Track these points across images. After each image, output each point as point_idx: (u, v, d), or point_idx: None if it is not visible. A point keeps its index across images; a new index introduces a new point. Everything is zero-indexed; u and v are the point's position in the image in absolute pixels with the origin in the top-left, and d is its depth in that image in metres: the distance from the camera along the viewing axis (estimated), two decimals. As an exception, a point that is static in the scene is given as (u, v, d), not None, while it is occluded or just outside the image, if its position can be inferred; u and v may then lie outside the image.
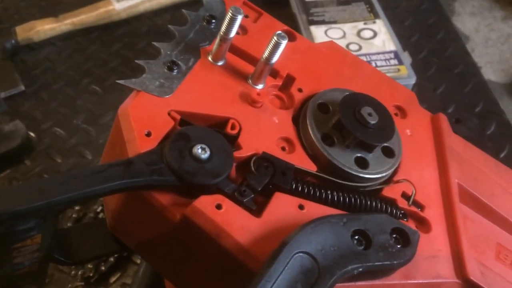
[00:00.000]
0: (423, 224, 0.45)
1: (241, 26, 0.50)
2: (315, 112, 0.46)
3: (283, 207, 0.40)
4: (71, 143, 0.76)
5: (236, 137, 0.42)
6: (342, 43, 0.87)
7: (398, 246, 0.39)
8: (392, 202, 0.44)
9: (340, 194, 0.43)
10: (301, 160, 0.43)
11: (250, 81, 0.47)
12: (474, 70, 0.93)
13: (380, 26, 0.91)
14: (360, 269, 0.36)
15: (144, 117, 0.40)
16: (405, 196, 0.45)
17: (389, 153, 0.46)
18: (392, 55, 0.86)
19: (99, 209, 0.68)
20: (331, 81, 0.50)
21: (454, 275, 0.43)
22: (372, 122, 0.44)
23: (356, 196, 0.43)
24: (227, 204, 0.38)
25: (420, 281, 0.41)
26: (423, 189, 0.46)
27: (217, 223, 0.37)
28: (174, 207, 0.38)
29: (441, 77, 0.90)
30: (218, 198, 0.38)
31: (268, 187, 0.40)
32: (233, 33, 0.44)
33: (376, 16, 0.93)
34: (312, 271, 0.35)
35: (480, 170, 0.51)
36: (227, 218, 0.37)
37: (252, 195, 0.39)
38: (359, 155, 0.45)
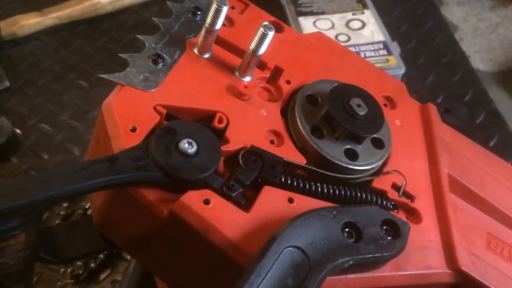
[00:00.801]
0: (414, 215, 0.45)
1: (227, 18, 0.49)
2: (303, 104, 0.45)
3: (272, 201, 0.39)
4: (58, 139, 0.75)
5: (223, 130, 0.42)
6: (330, 34, 0.87)
7: (389, 238, 0.39)
8: (382, 194, 0.44)
9: (330, 186, 0.42)
10: (290, 153, 0.43)
11: (237, 73, 0.46)
12: (463, 60, 0.93)
13: (369, 16, 0.90)
14: (351, 262, 0.36)
15: (128, 112, 0.40)
16: (395, 187, 0.45)
17: (378, 144, 0.46)
18: (381, 46, 0.86)
19: (87, 206, 0.67)
20: (319, 72, 0.49)
21: (445, 266, 0.43)
22: (361, 113, 0.44)
23: (346, 188, 0.43)
24: (215, 199, 0.37)
25: (412, 272, 0.41)
26: (413, 180, 0.46)
27: (205, 218, 0.36)
28: (161, 203, 0.38)
29: (430, 67, 0.91)
30: (206, 193, 0.37)
31: (256, 180, 0.40)
32: (218, 25, 0.43)
33: (365, 6, 0.92)
34: (303, 265, 0.35)
35: (470, 159, 0.51)
36: (216, 213, 0.37)
37: (241, 190, 0.39)
38: (348, 146, 0.44)
